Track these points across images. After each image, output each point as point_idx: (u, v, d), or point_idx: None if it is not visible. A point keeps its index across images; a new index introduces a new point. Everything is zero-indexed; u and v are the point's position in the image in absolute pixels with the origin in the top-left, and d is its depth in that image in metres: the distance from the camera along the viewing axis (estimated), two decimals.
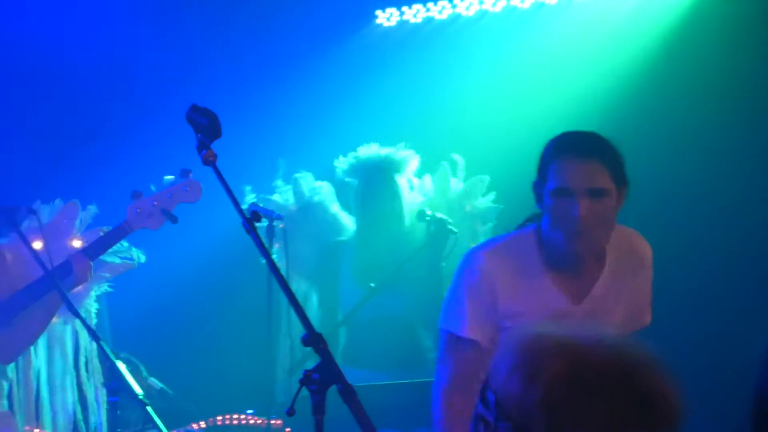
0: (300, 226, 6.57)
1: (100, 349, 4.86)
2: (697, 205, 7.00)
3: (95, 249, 5.09)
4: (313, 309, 6.64)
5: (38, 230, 5.11)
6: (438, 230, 6.24)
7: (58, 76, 7.64)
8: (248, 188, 6.64)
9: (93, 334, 4.84)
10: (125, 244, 5.34)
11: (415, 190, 6.60)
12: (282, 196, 6.65)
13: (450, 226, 6.23)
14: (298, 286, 6.63)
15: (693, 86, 7.07)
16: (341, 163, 6.55)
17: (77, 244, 5.41)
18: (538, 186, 3.97)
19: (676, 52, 7.24)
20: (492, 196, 6.72)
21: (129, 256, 5.68)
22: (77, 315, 4.92)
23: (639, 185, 4.08)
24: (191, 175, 5.10)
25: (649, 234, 4.30)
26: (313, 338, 3.26)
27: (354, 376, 5.77)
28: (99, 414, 5.67)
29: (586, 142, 3.93)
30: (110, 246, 5.12)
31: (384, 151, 6.44)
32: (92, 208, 5.51)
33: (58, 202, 5.57)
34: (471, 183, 6.72)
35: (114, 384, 4.97)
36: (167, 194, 5.09)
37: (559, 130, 4.00)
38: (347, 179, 6.57)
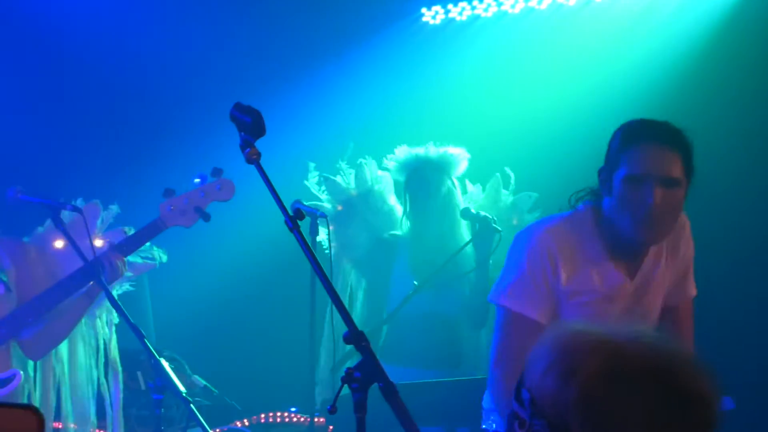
0: (357, 212, 6.57)
1: (145, 347, 4.88)
2: (726, 206, 6.95)
3: (129, 245, 5.12)
4: (359, 302, 6.63)
5: (62, 229, 5.12)
6: (483, 228, 6.22)
7: (86, 74, 7.66)
8: (312, 165, 6.62)
9: (137, 332, 4.86)
10: (147, 243, 5.34)
11: (468, 194, 6.59)
12: (344, 179, 6.64)
13: (494, 225, 6.21)
14: (347, 274, 6.63)
15: (717, 87, 7.02)
16: (392, 159, 6.53)
17: (99, 243, 5.42)
18: (607, 172, 3.96)
19: (697, 51, 7.20)
20: (537, 213, 6.70)
21: (150, 256, 5.69)
22: (120, 311, 4.96)
23: None
24: (222, 174, 5.10)
25: None
26: (354, 336, 3.25)
27: (393, 372, 5.81)
28: (115, 410, 5.66)
29: (664, 131, 3.91)
30: (143, 243, 5.15)
31: (437, 150, 6.42)
32: (114, 208, 5.53)
33: (79, 201, 5.60)
34: (519, 198, 6.71)
35: (158, 382, 4.99)
36: (200, 193, 5.11)
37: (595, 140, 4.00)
38: (397, 177, 6.55)
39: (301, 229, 3.44)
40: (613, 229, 4.00)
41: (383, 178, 6.58)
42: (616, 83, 7.25)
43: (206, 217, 5.10)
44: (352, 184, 6.59)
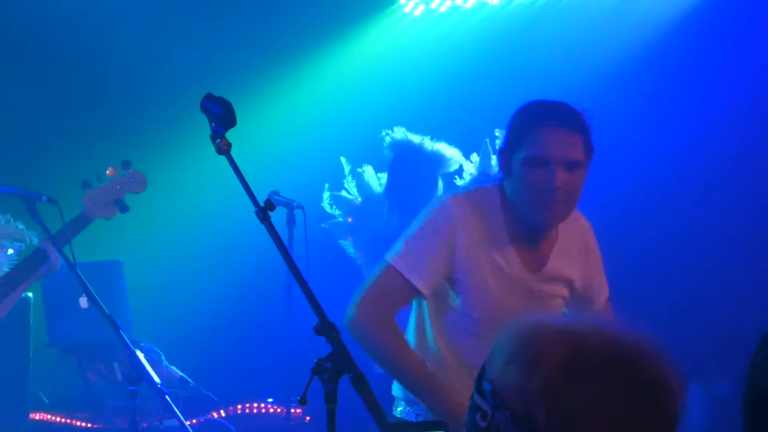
0: (365, 218, 6.58)
1: (120, 338, 4.84)
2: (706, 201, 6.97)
3: (63, 237, 5.09)
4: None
5: (38, 220, 5.10)
6: None
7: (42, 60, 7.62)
8: (326, 185, 6.62)
9: (112, 322, 4.82)
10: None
11: (466, 171, 6.56)
12: (350, 192, 6.64)
13: None
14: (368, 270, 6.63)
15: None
16: (387, 135, 6.48)
17: None
18: (507, 152, 3.88)
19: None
20: None
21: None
22: (95, 302, 4.91)
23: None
24: (131, 166, 5.11)
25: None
26: (324, 327, 3.24)
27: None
28: None
29: (566, 113, 3.84)
30: (76, 234, 5.11)
31: (432, 146, 6.39)
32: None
33: None
34: None
35: (134, 373, 4.96)
36: (116, 185, 5.11)
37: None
38: (386, 153, 6.52)
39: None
40: (515, 211, 3.93)
41: (381, 179, 6.57)
42: (596, 73, 7.26)
43: (124, 208, 5.08)
44: (356, 194, 6.59)
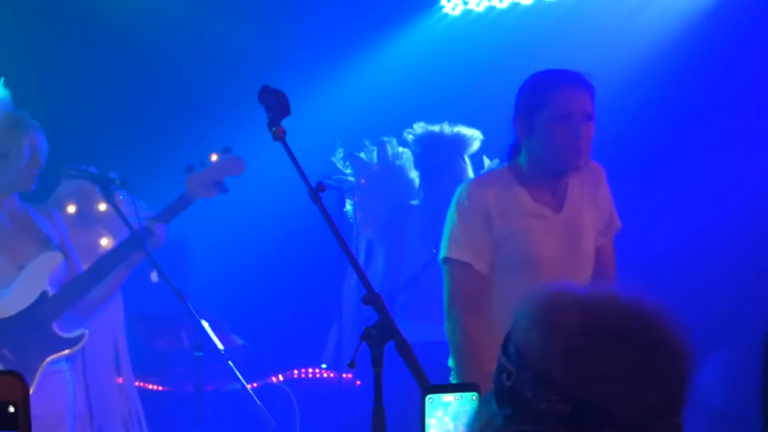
0: (379, 185, 6.58)
1: (186, 308, 4.89)
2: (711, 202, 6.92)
3: (166, 216, 5.14)
4: (379, 264, 6.60)
5: (111, 201, 5.14)
6: None
7: (122, 53, 7.64)
8: (339, 142, 6.63)
9: (179, 295, 4.88)
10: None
11: (486, 165, 6.56)
12: (367, 155, 6.63)
13: None
14: (368, 240, 6.62)
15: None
16: (410, 133, 6.49)
17: (102, 207, 5.49)
18: (526, 117, 4.11)
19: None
20: None
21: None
22: (164, 275, 4.97)
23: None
24: (232, 151, 5.18)
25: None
26: (371, 298, 3.28)
27: (413, 328, 5.82)
28: None
29: (576, 74, 4.10)
30: (177, 214, 5.17)
31: (451, 130, 6.38)
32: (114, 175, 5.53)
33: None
34: None
35: (199, 341, 5.01)
36: (217, 168, 5.16)
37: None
38: (413, 150, 6.52)
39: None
40: (537, 168, 4.15)
41: (404, 154, 6.56)
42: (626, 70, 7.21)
43: (224, 190, 5.14)
44: (375, 160, 6.58)
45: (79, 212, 5.58)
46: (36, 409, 4.33)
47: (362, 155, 6.59)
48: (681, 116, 7.15)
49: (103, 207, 5.53)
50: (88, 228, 5.52)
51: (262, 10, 7.73)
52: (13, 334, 4.90)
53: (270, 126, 3.56)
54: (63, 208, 5.48)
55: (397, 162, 6.56)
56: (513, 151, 4.26)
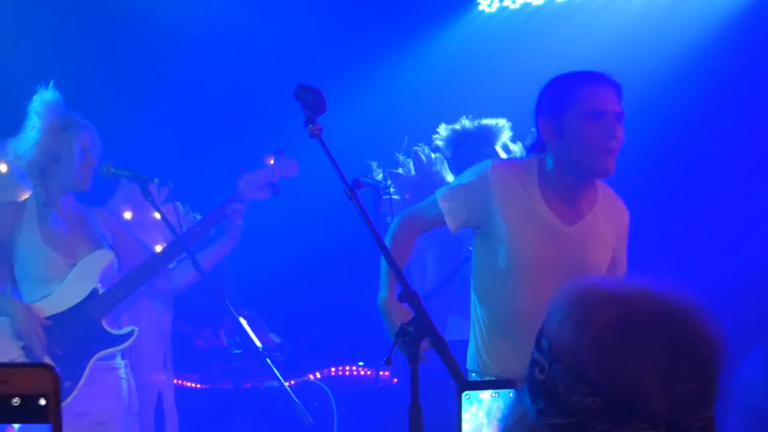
0: (422, 195, 6.57)
1: (225, 306, 4.92)
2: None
3: (216, 216, 5.21)
4: (430, 268, 6.61)
5: (152, 201, 5.20)
6: None
7: (164, 58, 7.69)
8: (374, 164, 6.63)
9: (219, 294, 4.91)
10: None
11: (514, 154, 6.54)
12: (404, 169, 6.63)
13: None
14: (419, 247, 6.63)
15: None
16: (437, 139, 6.49)
17: (157, 215, 5.54)
18: (555, 117, 3.98)
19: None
20: None
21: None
22: (204, 275, 5.00)
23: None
24: (286, 153, 5.25)
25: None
26: (408, 294, 3.28)
27: (455, 326, 5.82)
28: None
29: (606, 75, 3.98)
30: (235, 213, 5.23)
31: (472, 123, 6.37)
32: (169, 184, 5.58)
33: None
34: None
35: (238, 338, 5.04)
36: (271, 170, 5.21)
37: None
38: (445, 154, 6.52)
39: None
40: (562, 170, 4.02)
41: (438, 159, 6.56)
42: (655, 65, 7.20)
43: (277, 191, 5.18)
44: (413, 172, 6.58)
45: (135, 218, 5.64)
46: (83, 404, 4.36)
47: (400, 170, 6.59)
48: (709, 116, 7.12)
49: (158, 215, 5.60)
50: (143, 233, 5.57)
51: (303, 13, 7.75)
52: (64, 329, 4.95)
53: (306, 123, 3.58)
54: (120, 212, 5.55)
55: (434, 168, 6.55)
56: (534, 151, 4.15)
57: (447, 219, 4.17)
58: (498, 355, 4.14)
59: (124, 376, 5.14)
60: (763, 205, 6.85)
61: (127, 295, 5.12)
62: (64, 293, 5.00)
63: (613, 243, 4.17)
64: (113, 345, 5.06)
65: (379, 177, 6.53)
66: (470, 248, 6.17)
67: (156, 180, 5.25)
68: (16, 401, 1.14)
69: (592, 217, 4.10)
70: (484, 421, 1.98)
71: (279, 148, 5.26)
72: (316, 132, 3.53)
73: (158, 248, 5.55)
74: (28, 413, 1.15)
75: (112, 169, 5.21)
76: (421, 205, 4.31)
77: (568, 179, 4.02)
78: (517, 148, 6.48)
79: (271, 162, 5.24)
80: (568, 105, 3.94)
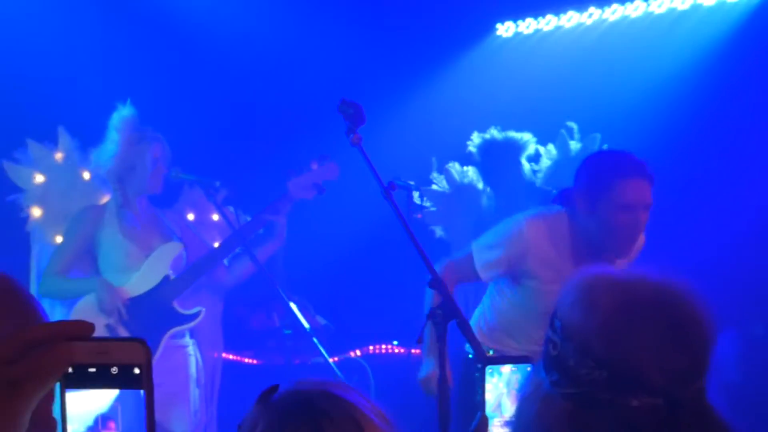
0: (456, 208, 6.56)
1: (277, 292, 4.95)
2: None
3: (271, 211, 5.24)
4: None
5: (215, 203, 5.28)
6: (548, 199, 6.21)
7: (218, 67, 7.66)
8: (412, 183, 6.61)
9: (271, 281, 4.94)
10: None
11: (543, 156, 6.51)
12: (439, 185, 6.60)
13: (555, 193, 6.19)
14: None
15: None
16: (473, 142, 6.46)
17: (215, 217, 5.61)
18: (593, 194, 3.86)
19: None
20: (605, 147, 6.60)
21: None
22: (259, 266, 5.03)
23: None
24: (329, 159, 5.27)
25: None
26: (436, 282, 3.29)
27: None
28: None
29: (641, 165, 3.85)
30: (280, 211, 5.25)
31: (502, 135, 6.36)
32: (223, 191, 5.63)
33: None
34: (587, 140, 6.57)
35: (288, 320, 5.07)
36: (315, 172, 5.23)
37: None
38: (477, 158, 6.51)
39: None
40: (588, 237, 3.92)
41: (468, 171, 6.53)
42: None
43: (321, 191, 5.21)
44: (446, 186, 6.53)
45: (196, 219, 5.69)
46: (158, 377, 4.42)
47: (434, 187, 6.56)
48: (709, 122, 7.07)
49: (216, 216, 5.65)
50: (203, 232, 5.63)
51: (341, 39, 7.75)
52: (141, 309, 5.06)
53: (348, 133, 3.59)
54: (184, 213, 5.62)
55: (465, 180, 6.52)
56: (565, 198, 4.05)
57: (481, 274, 4.12)
58: (495, 337, 4.20)
59: (192, 353, 5.20)
60: (738, 200, 6.81)
61: (194, 281, 5.20)
62: (141, 279, 5.10)
63: None
64: (184, 323, 5.13)
65: (416, 194, 6.52)
66: None
67: (217, 183, 5.31)
68: (114, 370, 1.18)
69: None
70: (504, 391, 2.00)
71: (322, 154, 5.28)
72: (357, 141, 3.54)
73: (216, 245, 5.61)
74: (125, 380, 1.18)
75: (180, 174, 5.26)
76: (458, 257, 4.19)
77: (594, 249, 3.92)
78: (545, 150, 6.45)
79: (315, 166, 5.26)
80: (604, 191, 3.82)
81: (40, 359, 1.14)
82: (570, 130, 6.49)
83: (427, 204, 6.47)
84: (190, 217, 5.67)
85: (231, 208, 5.50)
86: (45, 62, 6.71)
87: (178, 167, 5.25)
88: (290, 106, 7.84)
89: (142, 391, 1.18)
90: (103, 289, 5.00)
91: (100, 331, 4.89)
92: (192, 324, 5.16)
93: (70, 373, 1.17)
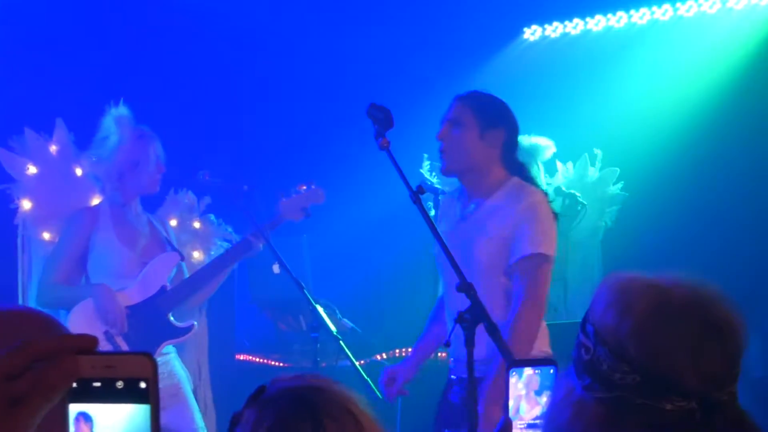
0: None
1: (304, 296, 4.94)
2: None
3: (264, 231, 5.19)
4: None
5: (242, 207, 5.29)
6: (571, 203, 6.21)
7: (235, 75, 7.66)
8: (426, 155, 6.61)
9: (298, 284, 4.93)
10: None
11: (559, 172, 6.53)
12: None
13: (580, 200, 6.20)
14: None
15: None
16: None
17: (197, 225, 5.61)
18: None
19: None
20: (620, 185, 6.60)
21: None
22: (286, 268, 5.03)
23: None
24: (312, 184, 5.27)
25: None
26: (465, 286, 3.27)
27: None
28: None
29: (465, 92, 4.15)
30: (272, 230, 5.23)
31: (529, 140, 6.35)
32: (206, 199, 5.62)
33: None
34: (605, 173, 6.60)
35: (315, 323, 5.06)
36: (304, 196, 5.24)
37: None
38: None
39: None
40: None
41: None
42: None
43: (307, 214, 5.21)
44: None
45: (179, 225, 5.68)
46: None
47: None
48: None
49: (197, 224, 5.65)
50: (184, 239, 5.63)
51: (368, 41, 7.76)
52: (137, 319, 4.97)
53: (376, 137, 3.59)
54: (167, 219, 5.57)
55: None
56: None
57: None
58: None
59: (175, 358, 5.16)
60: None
61: (191, 294, 5.17)
62: (139, 287, 5.01)
63: (498, 227, 4.06)
64: (178, 336, 5.09)
65: (427, 168, 6.53)
66: None
67: (245, 187, 5.30)
68: (120, 384, 1.16)
69: (481, 209, 4.11)
70: (522, 392, 1.99)
71: (309, 181, 5.29)
72: (385, 145, 3.54)
73: (195, 254, 5.61)
74: (130, 394, 1.16)
75: (207, 177, 5.27)
76: (545, 277, 3.95)
77: None
78: (563, 168, 6.46)
79: (303, 189, 5.26)
80: None
81: (44, 374, 1.12)
82: (593, 157, 6.50)
83: (436, 180, 6.49)
84: (173, 223, 5.63)
85: (212, 216, 5.52)
86: (53, 52, 6.63)
87: (207, 170, 5.25)
88: (316, 110, 7.85)
89: (148, 406, 1.17)
90: (105, 297, 4.87)
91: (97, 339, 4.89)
92: (185, 338, 5.12)
93: (73, 388, 1.15)
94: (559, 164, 6.59)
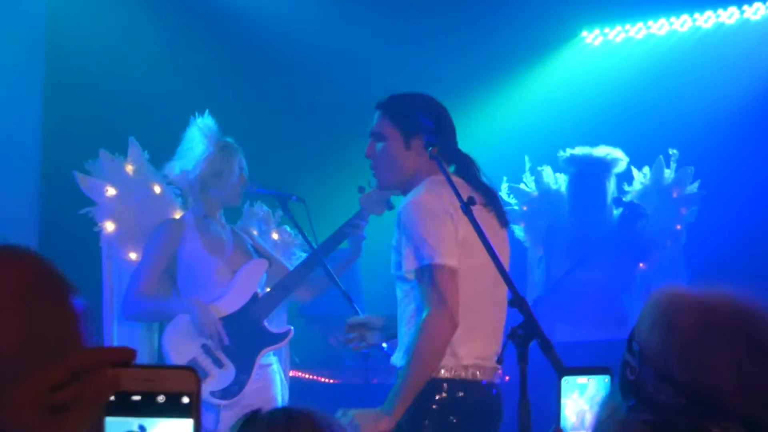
0: (539, 209, 6.60)
1: (355, 311, 4.96)
2: None
3: (345, 230, 5.23)
4: (539, 271, 6.59)
5: (290, 216, 5.33)
6: (631, 212, 6.21)
7: (288, 78, 7.74)
8: (504, 178, 6.59)
9: (348, 298, 4.97)
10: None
11: (636, 179, 6.52)
12: (527, 185, 6.64)
13: (641, 210, 6.19)
14: (538, 257, 6.60)
15: None
16: (564, 154, 6.46)
17: (275, 236, 5.65)
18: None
19: None
20: (696, 184, 6.55)
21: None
22: (337, 284, 5.07)
23: None
24: None
25: None
26: (517, 300, 3.28)
27: (562, 331, 5.80)
28: None
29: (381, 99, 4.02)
30: (362, 225, 5.25)
31: (601, 152, 6.35)
32: (279, 211, 5.66)
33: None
34: (680, 173, 6.55)
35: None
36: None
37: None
38: (568, 168, 6.51)
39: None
40: None
41: (558, 179, 6.56)
42: None
43: (390, 206, 5.16)
44: (533, 188, 6.59)
45: (260, 237, 5.75)
46: (251, 398, 4.40)
47: (522, 185, 6.60)
48: None
49: (276, 236, 5.69)
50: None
51: (421, 43, 7.79)
52: (233, 329, 5.06)
53: (426, 146, 3.62)
54: (250, 230, 5.63)
55: (554, 186, 6.56)
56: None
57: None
58: None
59: (276, 370, 5.24)
60: None
61: (283, 299, 5.25)
62: (232, 297, 5.13)
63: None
64: (275, 342, 5.18)
65: (505, 186, 6.53)
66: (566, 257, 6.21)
67: (296, 197, 5.35)
68: (161, 398, 1.18)
69: None
70: (586, 407, 1.98)
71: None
72: (436, 153, 3.56)
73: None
74: (172, 409, 1.18)
75: (256, 188, 5.33)
76: (448, 299, 3.81)
77: None
78: (639, 174, 6.45)
79: None
80: None
81: (86, 386, 1.16)
82: (668, 158, 6.47)
83: (513, 201, 6.50)
84: (254, 233, 5.71)
85: (287, 227, 5.56)
86: (122, 72, 6.83)
87: (257, 181, 5.31)
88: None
89: (190, 421, 1.19)
90: (200, 311, 4.96)
91: (195, 353, 4.97)
92: (283, 343, 5.21)
93: (111, 401, 1.18)
94: (634, 171, 6.57)
